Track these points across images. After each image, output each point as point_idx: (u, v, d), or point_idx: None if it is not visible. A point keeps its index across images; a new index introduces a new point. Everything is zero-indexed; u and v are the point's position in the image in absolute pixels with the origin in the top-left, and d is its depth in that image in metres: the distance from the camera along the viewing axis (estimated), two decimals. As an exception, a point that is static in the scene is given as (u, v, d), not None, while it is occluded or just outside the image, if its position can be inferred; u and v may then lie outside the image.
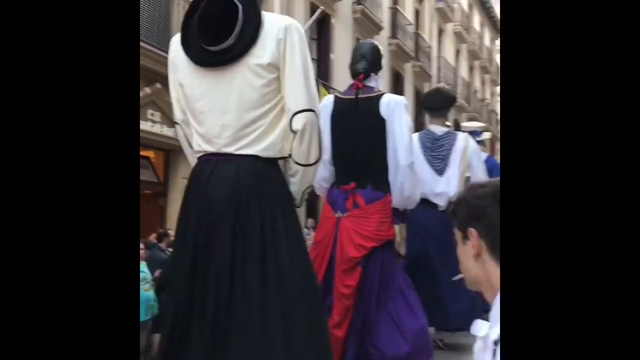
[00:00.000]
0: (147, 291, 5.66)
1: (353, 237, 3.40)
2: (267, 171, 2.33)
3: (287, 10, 12.20)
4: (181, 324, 2.24)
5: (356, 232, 3.41)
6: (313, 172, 2.51)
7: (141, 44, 7.31)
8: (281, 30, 2.28)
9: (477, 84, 27.85)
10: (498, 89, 32.63)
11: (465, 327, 1.44)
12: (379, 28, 16.58)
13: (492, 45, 31.32)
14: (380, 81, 3.79)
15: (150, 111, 8.35)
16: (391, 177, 3.49)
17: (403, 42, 18.24)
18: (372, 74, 3.63)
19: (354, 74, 3.64)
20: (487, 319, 1.23)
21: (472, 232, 1.26)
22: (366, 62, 3.65)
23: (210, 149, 2.35)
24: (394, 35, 17.92)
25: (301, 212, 11.84)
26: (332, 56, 14.21)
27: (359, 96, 3.57)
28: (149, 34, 8.34)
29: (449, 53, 23.74)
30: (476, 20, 28.46)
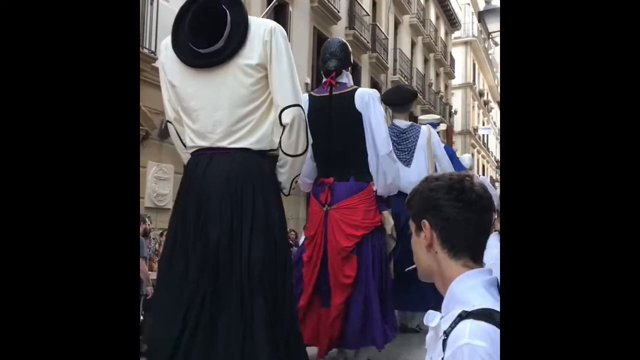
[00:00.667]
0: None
1: (343, 228, 3.60)
2: (259, 162, 2.53)
3: (244, -3, 12.08)
4: (173, 309, 2.40)
5: (345, 222, 3.60)
6: (301, 162, 2.70)
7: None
8: (267, 33, 2.48)
9: (432, 76, 28.24)
10: (452, 81, 33.21)
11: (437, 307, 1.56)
12: (336, 18, 16.60)
13: (447, 38, 31.79)
14: (350, 77, 3.94)
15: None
16: (372, 167, 3.69)
17: (360, 32, 18.31)
18: (344, 70, 3.81)
19: (326, 73, 3.80)
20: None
21: (425, 223, 1.29)
22: (337, 60, 3.80)
23: (205, 144, 2.53)
24: (351, 25, 17.97)
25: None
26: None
27: (333, 93, 3.75)
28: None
29: (405, 45, 23.97)
30: (432, 13, 28.80)
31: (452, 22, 32.14)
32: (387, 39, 21.43)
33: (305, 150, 2.67)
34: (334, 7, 16.39)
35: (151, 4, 9.00)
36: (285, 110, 2.51)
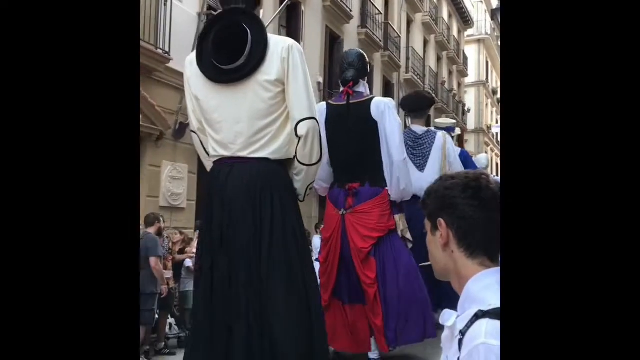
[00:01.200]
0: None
1: (359, 230, 3.81)
2: (276, 171, 2.75)
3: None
4: (204, 312, 2.67)
5: (361, 225, 3.81)
6: (315, 171, 2.92)
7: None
8: (285, 51, 2.68)
9: (445, 74, 28.10)
10: (465, 79, 33.02)
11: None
12: (348, 17, 16.57)
13: (460, 36, 31.61)
14: (367, 86, 4.16)
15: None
16: (386, 174, 3.90)
17: (372, 31, 18.28)
18: (361, 80, 4.01)
19: (344, 82, 3.99)
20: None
21: (441, 222, 1.28)
22: (354, 69, 3.99)
23: (226, 153, 2.74)
24: (363, 24, 17.93)
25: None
26: (301, 44, 14.13)
27: (350, 102, 3.94)
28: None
29: (417, 43, 23.87)
30: (445, 11, 28.66)
31: (465, 20, 31.94)
32: (399, 37, 21.36)
33: (319, 160, 2.86)
34: (346, 6, 16.37)
35: (165, 4, 9.05)
36: (301, 123, 2.70)
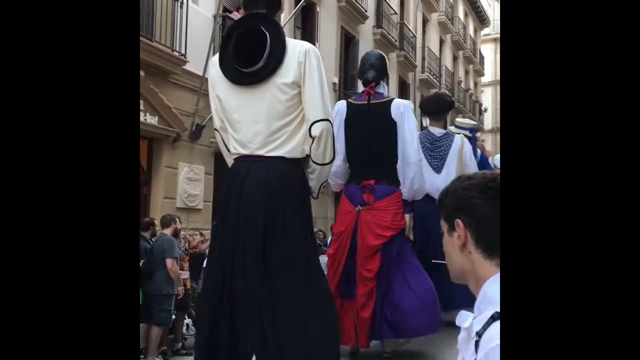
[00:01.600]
0: (130, 280, 5.63)
1: (373, 228, 3.94)
2: (291, 169, 2.89)
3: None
4: (214, 299, 2.78)
5: (376, 223, 3.95)
6: (328, 170, 3.06)
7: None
8: (302, 55, 2.81)
9: (461, 74, 27.93)
10: (482, 79, 32.80)
11: (465, 304, 1.69)
12: (364, 17, 16.55)
13: (476, 35, 31.42)
14: (387, 87, 4.35)
15: (133, 99, 8.27)
16: (400, 173, 4.06)
17: (388, 31, 18.23)
18: (381, 81, 4.20)
19: (366, 82, 4.16)
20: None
21: (459, 222, 1.26)
22: (375, 71, 4.18)
23: (245, 151, 2.89)
24: (378, 24, 17.89)
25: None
26: (316, 44, 14.15)
27: (371, 102, 4.12)
28: (132, 21, 8.26)
29: (433, 43, 23.76)
30: (461, 10, 28.50)
31: (481, 19, 31.73)
32: (415, 37, 21.28)
33: (332, 160, 2.99)
34: (362, 6, 16.34)
35: (181, 7, 9.11)
36: (315, 124, 2.82)
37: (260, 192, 2.79)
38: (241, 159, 2.92)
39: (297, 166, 2.93)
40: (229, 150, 3.07)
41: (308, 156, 2.93)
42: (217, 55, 3.01)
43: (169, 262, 6.02)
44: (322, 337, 2.75)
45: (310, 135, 2.85)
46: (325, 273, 3.71)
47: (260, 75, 2.81)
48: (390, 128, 4.07)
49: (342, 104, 4.25)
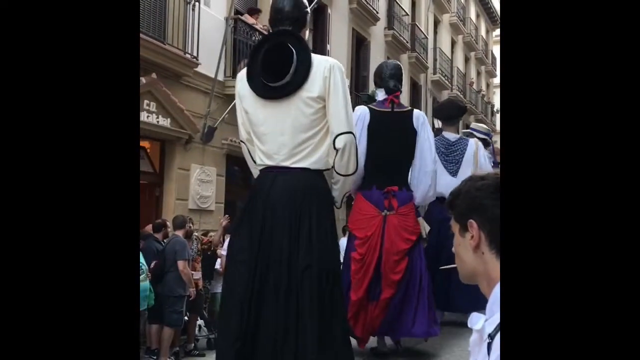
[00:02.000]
0: (142, 282, 5.66)
1: (401, 233, 4.13)
2: (316, 180, 3.00)
3: (283, 1, 12.13)
4: (242, 300, 2.86)
5: (403, 227, 4.14)
6: (351, 180, 3.21)
7: (137, 33, 7.25)
8: (327, 70, 2.93)
9: (473, 75, 27.79)
10: (494, 80, 32.61)
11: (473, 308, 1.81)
12: (375, 19, 16.52)
13: (488, 36, 31.26)
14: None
15: (146, 101, 8.31)
16: (414, 180, 4.30)
17: (399, 33, 18.18)
18: (400, 91, 4.45)
19: (390, 91, 4.36)
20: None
21: (473, 223, 1.25)
22: (396, 80, 4.39)
23: (271, 163, 3.01)
24: (390, 26, 17.85)
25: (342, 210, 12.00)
26: (328, 47, 14.15)
27: (395, 110, 4.32)
28: (146, 24, 8.31)
29: (445, 44, 23.67)
30: (472, 11, 28.36)
31: (493, 20, 31.56)
32: (426, 38, 21.21)
33: (355, 171, 3.12)
34: (373, 8, 16.32)
35: (193, 10, 9.15)
36: (339, 137, 2.95)
37: (285, 201, 2.90)
38: (267, 170, 3.03)
39: (321, 177, 3.05)
40: (254, 161, 3.18)
41: (332, 168, 3.06)
42: (244, 70, 3.13)
43: (181, 264, 6.04)
44: (341, 336, 2.88)
45: (335, 147, 2.97)
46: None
47: (287, 89, 2.93)
48: (410, 136, 4.27)
49: (365, 109, 4.36)
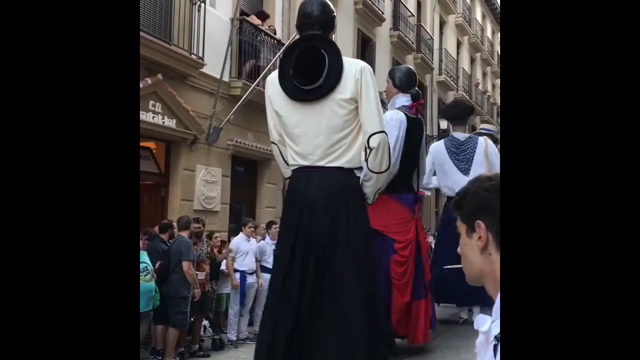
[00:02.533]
0: (148, 282, 5.67)
1: (424, 234, 4.58)
2: (349, 178, 3.15)
3: (290, 1, 12.14)
4: (280, 297, 3.04)
5: (422, 228, 4.54)
6: (383, 178, 3.34)
7: (143, 34, 7.27)
8: (358, 72, 3.07)
9: (478, 76, 27.73)
10: (499, 81, 32.53)
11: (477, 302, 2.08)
12: (380, 19, 16.51)
13: (493, 37, 31.19)
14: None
15: (151, 102, 8.32)
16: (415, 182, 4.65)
17: (405, 33, 18.17)
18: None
19: (416, 98, 4.59)
20: None
21: (480, 224, 1.23)
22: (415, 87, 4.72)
23: (305, 163, 3.16)
24: (395, 26, 17.84)
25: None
26: (333, 47, 14.15)
27: (418, 117, 4.59)
28: (151, 25, 8.32)
29: (450, 45, 23.63)
30: (478, 12, 28.31)
31: (499, 21, 31.49)
32: (432, 39, 21.18)
33: (387, 169, 3.26)
34: (378, 9, 16.31)
35: (198, 10, 9.17)
36: (373, 136, 3.08)
37: (322, 199, 3.04)
38: (301, 170, 3.18)
39: (354, 175, 3.19)
40: (286, 162, 3.32)
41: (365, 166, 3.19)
42: (274, 73, 3.27)
43: (185, 264, 6.04)
44: (378, 328, 3.05)
45: (369, 146, 3.10)
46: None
47: (320, 92, 3.05)
48: (422, 144, 4.58)
49: (402, 114, 4.50)
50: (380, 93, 4.67)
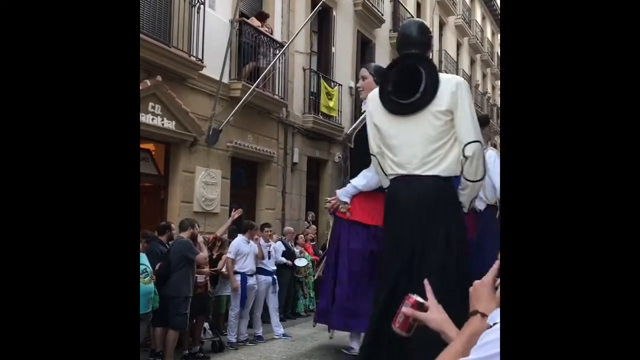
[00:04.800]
0: (147, 284, 5.65)
1: None
2: (445, 187, 3.32)
3: (290, 3, 12.14)
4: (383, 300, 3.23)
5: None
6: (479, 186, 3.49)
7: (143, 36, 7.27)
8: (453, 86, 3.31)
9: (478, 77, 27.74)
10: (499, 82, 32.54)
11: None
12: (380, 21, 16.52)
13: (493, 38, 31.21)
14: None
15: (151, 104, 8.31)
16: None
17: (404, 35, 18.16)
18: None
19: None
20: None
21: None
22: None
23: (403, 172, 3.38)
24: (395, 28, 17.84)
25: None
26: (333, 49, 14.15)
27: None
28: (151, 27, 8.32)
29: (450, 46, 23.64)
30: (478, 13, 28.33)
31: (499, 22, 31.51)
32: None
33: (482, 177, 3.42)
34: (378, 10, 16.32)
35: (198, 12, 9.16)
36: (468, 145, 3.28)
37: (419, 206, 3.21)
38: (399, 179, 3.38)
39: (450, 183, 3.35)
40: (384, 173, 3.56)
41: (460, 174, 3.36)
42: (376, 90, 3.55)
43: (201, 257, 6.30)
44: None
45: (464, 155, 3.28)
46: None
47: (417, 105, 3.27)
48: None
49: None
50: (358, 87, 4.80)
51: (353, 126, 4.67)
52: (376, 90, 3.55)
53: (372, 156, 3.70)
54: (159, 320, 6.03)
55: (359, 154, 4.45)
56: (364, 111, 4.32)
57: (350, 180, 4.52)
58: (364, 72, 4.76)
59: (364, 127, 4.19)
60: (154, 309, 5.84)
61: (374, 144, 3.61)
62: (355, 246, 4.46)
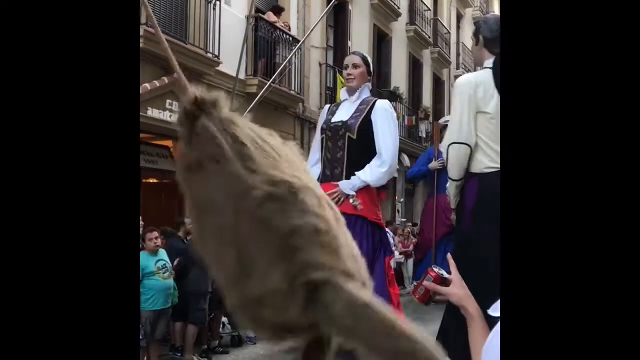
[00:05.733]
0: (166, 279, 5.71)
1: None
2: None
3: (304, -2, 12.13)
4: None
5: None
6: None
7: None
8: None
9: (496, 69, 27.52)
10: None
11: None
12: (397, 14, 16.44)
13: (512, 30, 30.92)
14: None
15: (168, 101, 8.37)
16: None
17: (421, 28, 18.06)
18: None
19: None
20: None
21: None
22: None
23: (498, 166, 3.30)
24: (412, 21, 17.74)
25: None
26: (349, 43, 14.11)
27: None
28: (167, 24, 8.37)
29: (468, 39, 23.46)
30: (496, 4, 28.05)
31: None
32: (449, 33, 21.04)
33: None
34: (394, 3, 16.24)
35: (213, 8, 9.20)
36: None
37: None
38: (497, 174, 3.25)
39: None
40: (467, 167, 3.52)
41: None
42: (478, 75, 3.58)
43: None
44: None
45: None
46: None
47: None
48: None
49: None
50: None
51: (350, 115, 4.15)
52: (480, 75, 3.51)
53: (460, 145, 3.46)
54: (179, 316, 6.09)
55: (361, 146, 4.21)
56: (357, 101, 4.15)
57: (356, 173, 4.28)
58: (356, 59, 4.28)
59: (366, 117, 4.04)
60: (173, 304, 5.91)
61: (473, 135, 3.43)
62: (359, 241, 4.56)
